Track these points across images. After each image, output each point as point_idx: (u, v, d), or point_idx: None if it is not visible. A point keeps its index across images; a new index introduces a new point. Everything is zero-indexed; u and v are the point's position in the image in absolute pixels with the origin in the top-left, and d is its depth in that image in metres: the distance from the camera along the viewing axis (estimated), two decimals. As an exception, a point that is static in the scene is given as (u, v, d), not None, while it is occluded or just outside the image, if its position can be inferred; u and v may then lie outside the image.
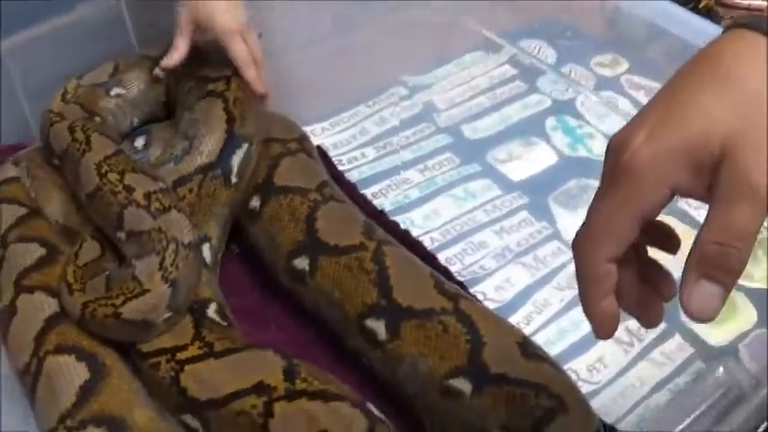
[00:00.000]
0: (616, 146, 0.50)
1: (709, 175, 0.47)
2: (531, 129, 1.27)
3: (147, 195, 0.90)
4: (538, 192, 1.16)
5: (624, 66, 1.37)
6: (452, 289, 0.88)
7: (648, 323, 0.54)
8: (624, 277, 0.52)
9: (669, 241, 0.56)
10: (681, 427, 0.79)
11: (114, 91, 1.17)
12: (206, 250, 0.96)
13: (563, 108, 1.30)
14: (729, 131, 0.46)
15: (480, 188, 1.17)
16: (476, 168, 1.20)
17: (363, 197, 1.14)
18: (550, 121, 1.28)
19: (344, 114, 1.31)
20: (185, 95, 1.10)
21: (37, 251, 0.95)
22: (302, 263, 0.94)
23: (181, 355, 0.83)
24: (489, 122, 1.28)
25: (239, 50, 1.05)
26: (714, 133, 0.47)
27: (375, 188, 1.18)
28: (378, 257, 0.89)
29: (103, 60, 1.20)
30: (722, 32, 0.52)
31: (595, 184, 1.09)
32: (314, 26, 1.27)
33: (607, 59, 1.38)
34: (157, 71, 1.18)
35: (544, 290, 1.03)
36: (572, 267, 1.05)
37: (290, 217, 0.97)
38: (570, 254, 1.02)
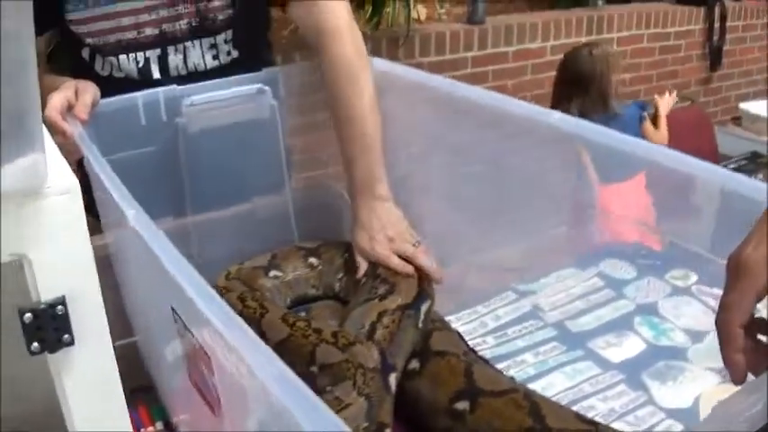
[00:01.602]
0: (735, 257, 0.78)
1: None
2: (621, 325, 1.54)
3: (335, 334, 1.17)
4: (632, 370, 1.41)
5: (694, 278, 1.66)
6: (588, 419, 1.14)
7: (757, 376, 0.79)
8: (746, 342, 0.78)
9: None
10: None
11: (272, 273, 1.45)
12: (392, 379, 1.20)
13: (646, 309, 1.57)
14: None
15: (585, 367, 1.43)
16: (579, 353, 1.47)
17: (493, 366, 1.41)
18: (637, 320, 1.55)
19: (466, 311, 1.60)
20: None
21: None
22: (463, 405, 1.18)
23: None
24: (587, 320, 1.56)
25: (397, 267, 1.36)
26: None
27: (498, 366, 1.45)
28: (529, 397, 1.15)
29: (265, 250, 1.49)
30: None
31: (681, 364, 1.40)
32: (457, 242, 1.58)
33: (679, 273, 1.67)
34: (312, 260, 1.49)
35: (645, 441, 1.28)
36: (665, 424, 1.31)
37: (450, 371, 1.23)
38: (662, 414, 1.30)
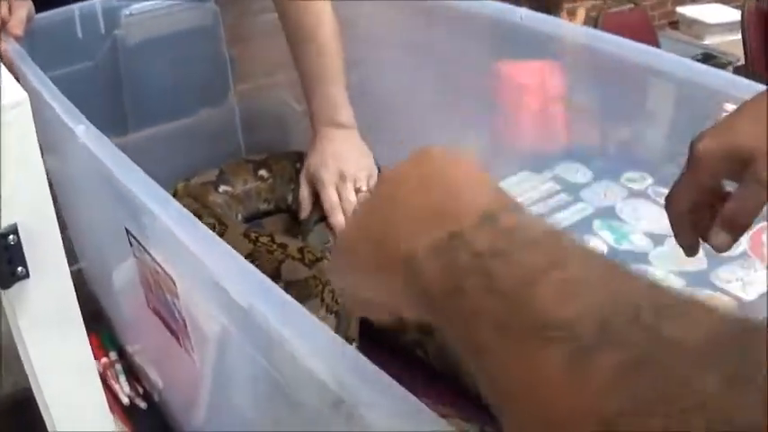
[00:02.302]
0: (691, 145, 0.80)
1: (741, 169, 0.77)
2: (581, 228, 1.51)
3: (300, 250, 1.12)
4: (596, 275, 1.40)
5: (649, 180, 1.63)
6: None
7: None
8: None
9: None
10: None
11: (222, 188, 1.38)
12: None
13: (605, 213, 1.55)
14: (760, 145, 0.75)
15: (548, 274, 1.41)
16: (542, 259, 1.45)
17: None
18: (596, 223, 1.53)
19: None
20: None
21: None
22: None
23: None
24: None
25: (328, 198, 1.28)
26: (746, 146, 0.76)
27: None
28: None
29: (211, 165, 1.42)
30: None
31: (644, 268, 1.39)
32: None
33: (635, 176, 1.64)
34: (262, 172, 1.42)
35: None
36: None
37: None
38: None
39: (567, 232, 0.44)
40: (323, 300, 1.05)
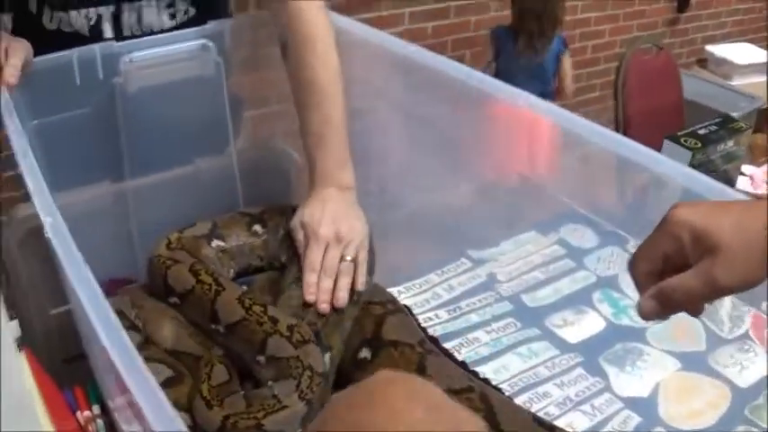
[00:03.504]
0: (671, 208, 0.82)
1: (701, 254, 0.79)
2: (580, 299, 1.48)
3: (290, 327, 1.10)
4: (590, 352, 1.36)
5: (656, 250, 1.60)
6: (547, 424, 1.09)
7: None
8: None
9: None
10: None
11: (215, 243, 1.36)
12: (326, 358, 1.13)
13: (607, 283, 1.52)
14: (724, 243, 0.76)
15: (541, 348, 1.38)
16: (536, 332, 1.41)
17: (445, 349, 1.34)
18: (597, 294, 1.49)
19: (418, 281, 1.53)
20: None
21: (165, 371, 1.11)
22: (413, 401, 1.14)
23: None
24: (545, 293, 1.50)
25: (313, 255, 1.25)
26: (715, 236, 0.77)
27: (449, 344, 1.37)
28: (485, 399, 1.10)
29: (206, 217, 1.39)
30: None
31: (639, 347, 1.36)
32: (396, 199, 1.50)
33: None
34: (256, 228, 1.40)
35: (602, 433, 1.23)
36: (623, 415, 1.25)
37: (404, 365, 1.17)
38: (620, 404, 1.26)
39: None
40: (299, 384, 1.03)
